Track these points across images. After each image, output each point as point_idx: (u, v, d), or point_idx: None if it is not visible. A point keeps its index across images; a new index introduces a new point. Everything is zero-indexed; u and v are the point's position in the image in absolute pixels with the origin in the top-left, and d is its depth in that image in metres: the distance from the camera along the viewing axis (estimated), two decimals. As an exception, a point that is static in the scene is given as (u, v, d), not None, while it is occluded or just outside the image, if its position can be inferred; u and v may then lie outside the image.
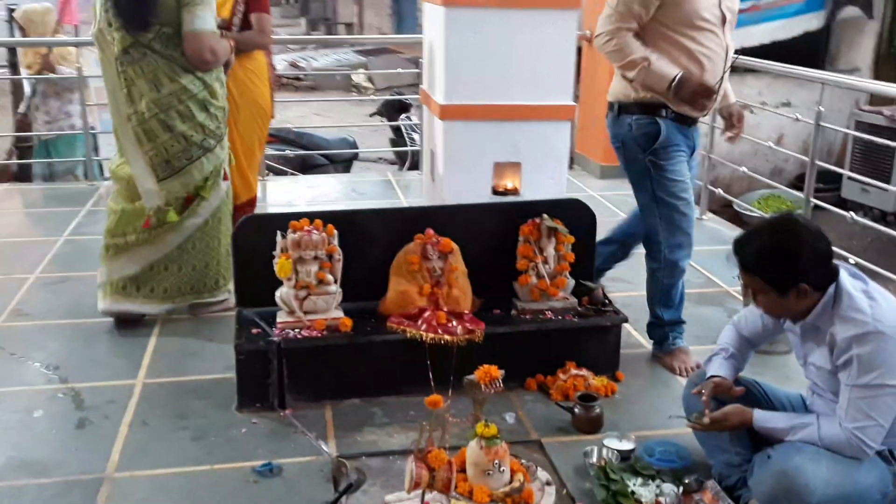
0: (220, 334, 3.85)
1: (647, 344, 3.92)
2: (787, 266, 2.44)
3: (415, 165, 7.71)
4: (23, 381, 3.48)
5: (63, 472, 2.84)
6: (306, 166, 8.24)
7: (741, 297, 4.02)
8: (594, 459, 2.90)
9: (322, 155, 8.35)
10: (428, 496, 2.51)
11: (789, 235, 2.44)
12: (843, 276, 2.48)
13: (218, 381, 3.45)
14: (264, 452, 2.97)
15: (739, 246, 2.53)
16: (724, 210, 7.36)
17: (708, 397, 2.68)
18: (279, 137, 8.13)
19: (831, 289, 2.47)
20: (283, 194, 6.46)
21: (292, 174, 7.66)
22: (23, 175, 7.28)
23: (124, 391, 3.39)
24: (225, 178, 4.03)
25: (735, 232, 4.86)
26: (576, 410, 3.17)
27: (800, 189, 5.61)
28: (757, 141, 6.22)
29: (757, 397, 2.77)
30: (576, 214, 3.67)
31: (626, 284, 4.67)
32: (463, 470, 2.67)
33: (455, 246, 3.49)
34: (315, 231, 3.32)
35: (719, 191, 6.22)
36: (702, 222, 6.01)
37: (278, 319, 3.34)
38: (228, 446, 3.02)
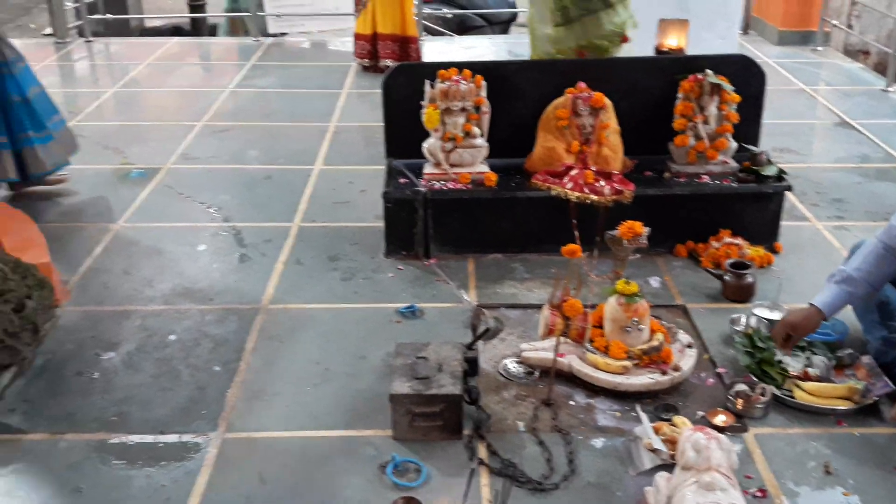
0: (372, 186, 3.93)
1: (814, 218, 3.66)
2: None
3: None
4: (189, 218, 3.72)
5: (223, 301, 3.05)
6: (463, 27, 8.07)
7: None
8: (741, 327, 2.79)
9: (479, 15, 8.13)
10: (563, 348, 2.51)
11: None
12: None
13: (369, 229, 3.55)
14: (408, 296, 3.06)
15: None
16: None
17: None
18: (437, -3, 8.00)
19: None
20: (438, 55, 6.37)
21: (449, 35, 7.53)
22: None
23: (281, 232, 3.56)
24: (624, 41, 3.87)
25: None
26: (726, 278, 3.03)
27: None
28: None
29: None
30: (744, 72, 3.40)
31: (795, 156, 4.36)
32: (601, 326, 2.64)
33: (608, 101, 3.33)
34: (463, 81, 3.26)
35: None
36: (887, 94, 5.45)
37: (425, 171, 3.36)
38: (374, 288, 3.13)
